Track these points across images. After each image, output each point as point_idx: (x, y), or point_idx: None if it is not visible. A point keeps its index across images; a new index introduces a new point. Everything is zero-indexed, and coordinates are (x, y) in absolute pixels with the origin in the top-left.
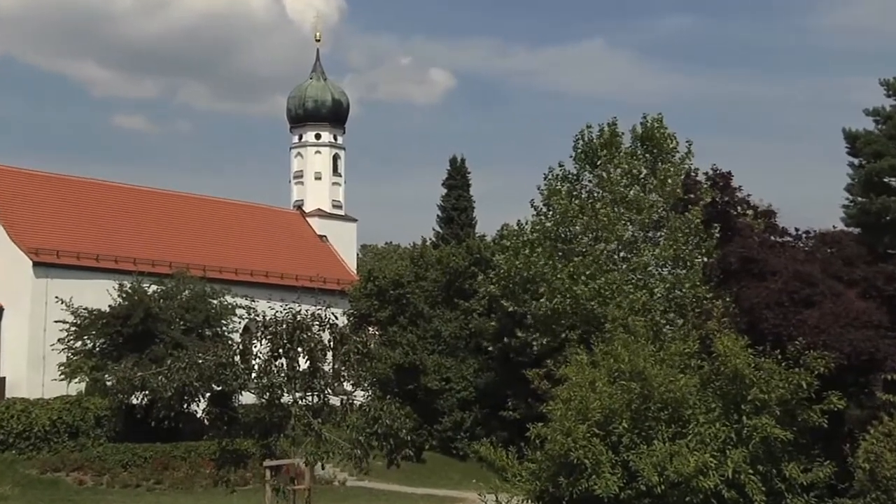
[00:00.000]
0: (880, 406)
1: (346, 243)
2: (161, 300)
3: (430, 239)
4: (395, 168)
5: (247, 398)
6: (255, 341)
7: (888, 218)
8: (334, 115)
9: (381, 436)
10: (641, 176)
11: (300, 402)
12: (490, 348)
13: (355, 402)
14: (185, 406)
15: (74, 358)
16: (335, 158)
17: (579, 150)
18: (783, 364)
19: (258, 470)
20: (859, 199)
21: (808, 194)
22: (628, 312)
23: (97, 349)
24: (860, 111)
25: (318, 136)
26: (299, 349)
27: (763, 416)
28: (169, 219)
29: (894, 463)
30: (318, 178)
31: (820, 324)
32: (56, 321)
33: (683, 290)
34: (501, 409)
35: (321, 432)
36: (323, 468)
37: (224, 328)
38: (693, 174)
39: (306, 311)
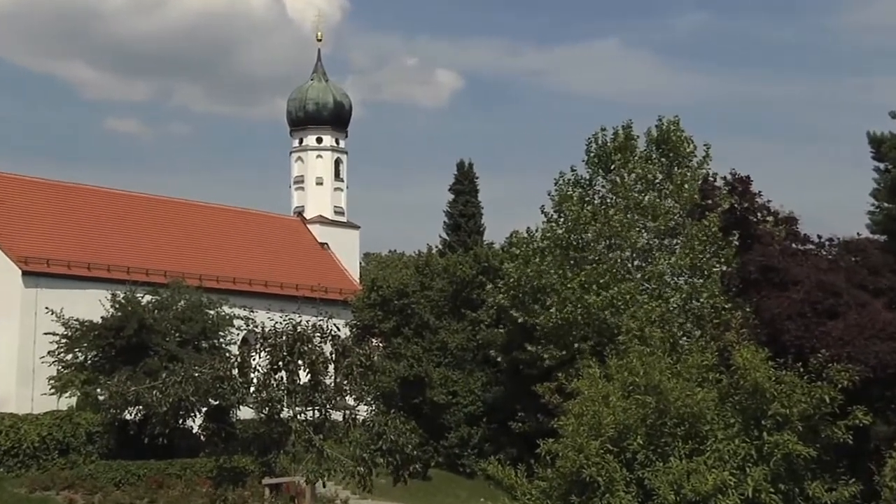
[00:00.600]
0: None
1: (348, 251)
2: (155, 311)
3: (437, 247)
4: (400, 173)
5: (245, 413)
6: (253, 354)
7: None
8: (336, 118)
9: (386, 452)
10: (657, 181)
11: (301, 417)
12: (499, 360)
13: (358, 417)
14: (180, 421)
15: (65, 371)
16: (337, 163)
17: (592, 154)
18: (805, 377)
19: (257, 488)
20: (885, 204)
21: (830, 200)
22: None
23: (89, 362)
24: (885, 113)
25: (319, 140)
26: (300, 362)
27: (785, 431)
28: (164, 226)
29: None
30: (319, 183)
31: (844, 335)
32: (46, 333)
33: (701, 301)
34: (510, 424)
35: (323, 449)
36: (324, 486)
37: (221, 340)
38: (711, 179)
39: (307, 322)
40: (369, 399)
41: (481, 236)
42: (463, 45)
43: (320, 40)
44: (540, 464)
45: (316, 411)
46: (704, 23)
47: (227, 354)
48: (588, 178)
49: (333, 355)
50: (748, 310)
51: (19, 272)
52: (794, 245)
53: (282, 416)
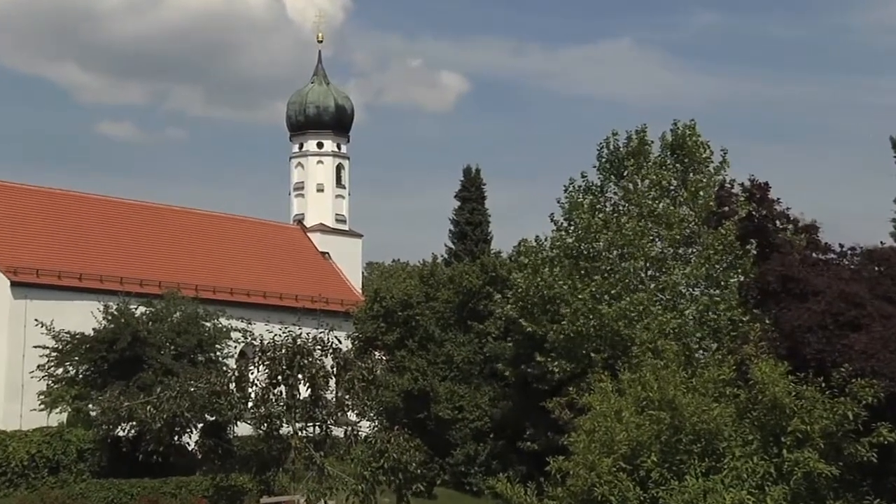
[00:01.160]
0: None
1: (350, 260)
2: (150, 323)
3: (442, 256)
4: (404, 179)
5: (243, 429)
6: (251, 367)
7: None
8: (338, 122)
9: (389, 470)
10: (671, 188)
11: (301, 433)
12: (506, 374)
13: (360, 433)
14: (175, 438)
15: (55, 386)
16: (339, 169)
17: (604, 160)
18: (827, 393)
19: None
20: None
21: (852, 206)
22: (657, 336)
23: (80, 376)
24: None
25: (320, 145)
26: (300, 376)
27: (805, 449)
28: (159, 234)
29: None
30: (320, 190)
31: (868, 348)
32: (35, 346)
33: (717, 312)
34: (519, 440)
35: (323, 466)
36: None
37: (218, 353)
38: (728, 185)
39: (307, 334)
40: (372, 414)
41: (488, 245)
42: (468, 45)
43: (321, 41)
44: (550, 482)
45: (316, 427)
46: (720, 22)
47: (224, 368)
48: (599, 184)
49: (334, 369)
50: (767, 322)
51: (8, 283)
52: (814, 254)
53: (281, 432)
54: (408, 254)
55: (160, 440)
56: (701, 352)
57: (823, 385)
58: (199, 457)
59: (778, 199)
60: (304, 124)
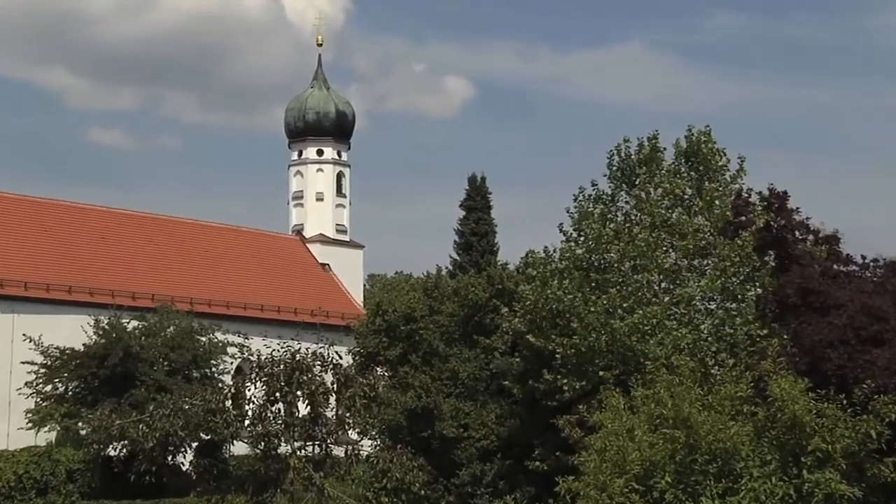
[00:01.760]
0: None
1: (351, 272)
2: (142, 338)
3: (447, 268)
4: (407, 188)
5: (239, 449)
6: (248, 384)
7: None
8: (338, 129)
9: (391, 491)
10: (686, 197)
11: (299, 452)
12: (514, 391)
13: (362, 452)
14: (169, 458)
15: (44, 404)
16: (339, 177)
17: (615, 168)
18: (849, 410)
19: None
20: None
21: (875, 216)
22: (671, 351)
23: (70, 394)
24: None
25: (320, 153)
26: (298, 393)
27: (827, 470)
28: (152, 246)
29: None
30: (319, 199)
31: (891, 364)
32: (23, 362)
33: (734, 326)
34: (527, 460)
35: (323, 487)
36: None
37: (214, 369)
38: (745, 194)
39: (306, 349)
40: (374, 433)
41: (495, 256)
42: (474, 49)
43: (321, 45)
44: (559, 503)
45: (316, 446)
46: (737, 24)
47: (220, 385)
48: (610, 193)
49: (335, 385)
50: (786, 337)
51: None
52: (835, 266)
53: (279, 451)
54: (411, 265)
55: (153, 460)
56: (717, 368)
57: (845, 402)
58: (194, 477)
59: (797, 208)
60: (304, 131)
